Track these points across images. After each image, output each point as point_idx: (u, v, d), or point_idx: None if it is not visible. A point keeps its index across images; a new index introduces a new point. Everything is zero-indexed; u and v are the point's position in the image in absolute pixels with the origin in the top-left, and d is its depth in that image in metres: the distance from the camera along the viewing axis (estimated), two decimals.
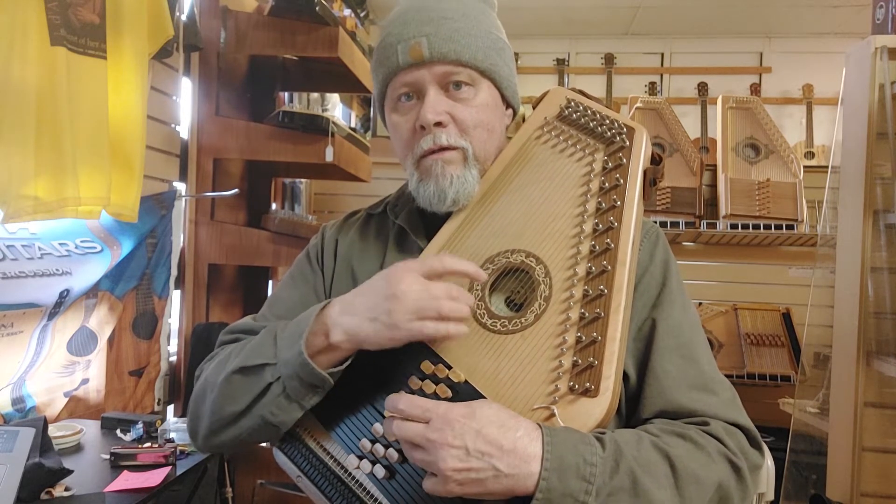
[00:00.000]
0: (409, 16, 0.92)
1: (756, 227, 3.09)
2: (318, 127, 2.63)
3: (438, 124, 0.90)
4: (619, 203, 0.86)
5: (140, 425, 1.90)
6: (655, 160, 0.92)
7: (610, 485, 0.70)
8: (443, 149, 0.91)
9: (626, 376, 0.86)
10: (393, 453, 0.79)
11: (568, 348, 0.78)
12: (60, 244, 1.86)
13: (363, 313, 0.78)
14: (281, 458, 0.86)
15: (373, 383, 0.82)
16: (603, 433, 0.74)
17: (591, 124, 0.93)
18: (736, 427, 0.82)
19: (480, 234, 0.90)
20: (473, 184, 0.92)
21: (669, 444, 0.76)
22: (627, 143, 0.90)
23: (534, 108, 1.00)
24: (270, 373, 0.80)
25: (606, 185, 0.88)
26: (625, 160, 0.89)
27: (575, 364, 0.77)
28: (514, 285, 0.87)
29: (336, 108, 3.74)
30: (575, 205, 0.88)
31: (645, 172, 0.89)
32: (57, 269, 1.84)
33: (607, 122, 0.92)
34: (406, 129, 0.93)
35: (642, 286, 0.89)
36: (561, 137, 0.95)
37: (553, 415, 0.75)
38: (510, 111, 1.01)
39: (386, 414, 0.80)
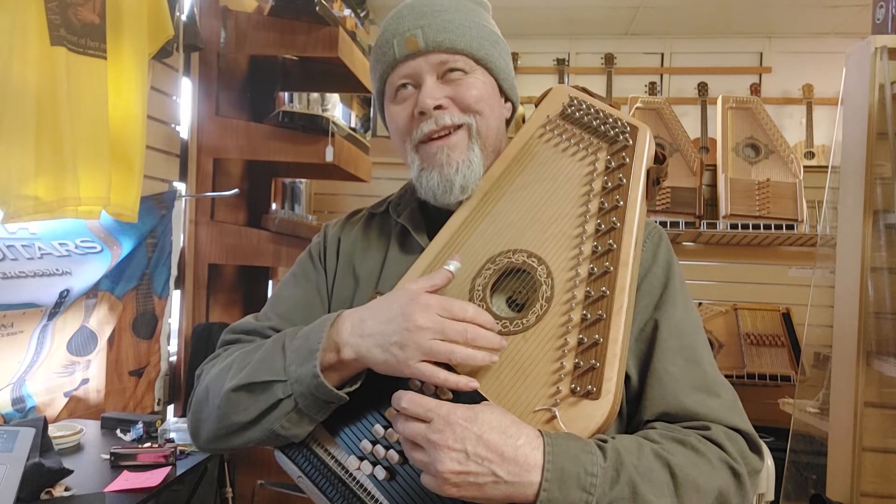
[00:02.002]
0: (403, 12, 0.94)
1: (756, 227, 3.09)
2: (318, 127, 2.63)
3: (438, 107, 0.90)
4: (621, 203, 0.85)
5: (140, 425, 1.90)
6: (659, 159, 0.91)
7: (610, 495, 0.70)
8: (446, 132, 0.91)
9: (627, 377, 0.85)
10: (393, 454, 0.79)
11: (570, 350, 0.78)
12: (60, 244, 1.86)
13: (375, 338, 0.77)
14: (282, 458, 0.86)
15: (373, 385, 0.82)
16: (605, 440, 0.74)
17: (594, 123, 0.92)
18: (736, 432, 0.82)
19: (482, 234, 0.90)
20: (479, 165, 0.92)
21: (670, 451, 0.76)
22: (631, 141, 0.89)
23: (536, 105, 0.99)
24: (281, 389, 0.79)
25: (609, 184, 0.87)
26: (628, 159, 0.88)
27: (577, 366, 0.77)
28: (515, 286, 0.86)
29: (336, 108, 3.74)
30: (577, 204, 0.88)
31: (648, 172, 0.89)
32: (57, 269, 1.84)
33: (610, 120, 0.91)
34: (404, 115, 0.93)
35: (645, 287, 0.89)
36: (564, 136, 0.94)
37: (554, 417, 0.75)
38: (509, 105, 1.01)
39: (387, 414, 0.80)
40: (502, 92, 0.98)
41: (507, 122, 1.02)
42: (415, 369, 0.75)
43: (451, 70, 0.92)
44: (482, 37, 0.94)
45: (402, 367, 0.75)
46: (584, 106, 0.94)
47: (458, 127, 0.92)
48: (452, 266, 0.82)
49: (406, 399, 0.74)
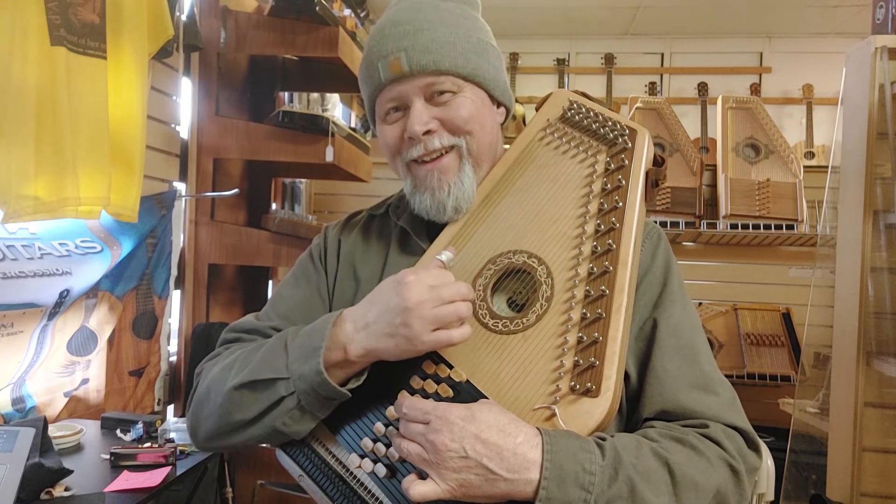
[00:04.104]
0: (386, 31, 0.92)
1: (756, 227, 3.10)
2: (318, 127, 2.63)
3: (427, 133, 0.90)
4: (620, 204, 0.86)
5: (140, 425, 1.90)
6: (657, 162, 0.92)
7: (608, 493, 0.70)
8: (436, 155, 0.91)
9: (626, 375, 0.86)
10: (394, 452, 0.79)
11: (569, 348, 0.78)
12: (60, 244, 1.86)
13: (378, 329, 0.77)
14: (283, 457, 0.86)
15: (375, 383, 0.82)
16: (603, 439, 0.74)
17: (594, 126, 0.93)
18: (735, 430, 0.82)
19: (483, 235, 0.91)
20: (471, 184, 0.92)
21: (669, 450, 0.76)
22: (630, 144, 0.90)
23: (537, 109, 1.00)
24: (284, 386, 0.80)
25: (608, 186, 0.88)
26: (627, 161, 0.89)
27: (576, 364, 0.77)
28: (515, 286, 0.87)
29: (336, 108, 3.74)
30: (577, 206, 0.88)
31: (647, 174, 0.89)
32: (57, 269, 1.84)
33: (609, 123, 0.92)
34: (394, 135, 0.93)
35: (644, 286, 0.89)
36: (564, 139, 0.95)
37: (554, 415, 0.75)
38: (502, 109, 1.00)
39: (387, 412, 0.81)
40: (494, 99, 0.97)
41: (503, 123, 1.02)
42: (429, 341, 0.76)
43: (440, 92, 0.91)
44: (468, 50, 0.92)
45: (417, 344, 0.76)
46: (583, 109, 0.95)
47: (449, 149, 0.91)
48: (444, 256, 0.83)
49: (406, 404, 0.75)
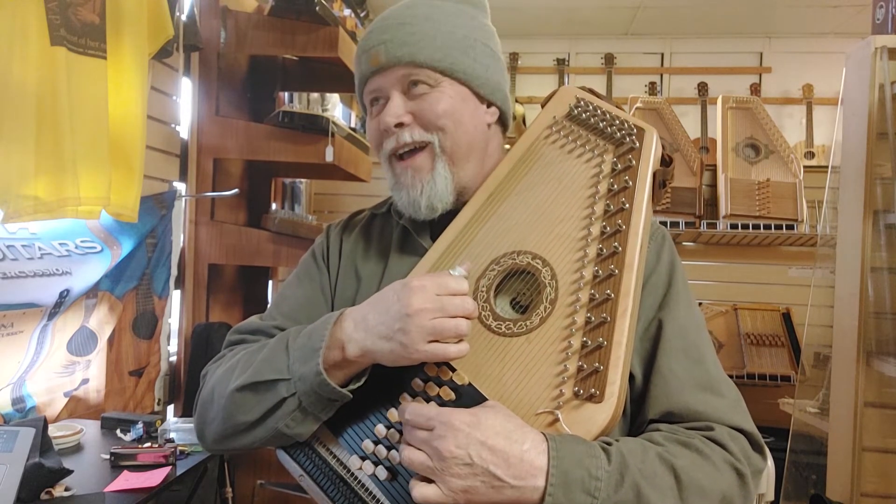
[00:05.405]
0: (373, 27, 0.94)
1: (756, 227, 3.10)
2: (318, 127, 2.62)
3: (399, 125, 0.90)
4: (627, 206, 0.84)
5: (140, 425, 1.89)
6: (665, 161, 0.90)
7: (614, 498, 0.70)
8: (410, 151, 0.91)
9: (632, 376, 0.85)
10: (395, 455, 0.79)
11: (573, 353, 0.78)
12: (60, 244, 1.85)
13: (377, 331, 0.77)
14: (284, 457, 0.86)
15: (376, 385, 0.82)
16: (609, 443, 0.74)
17: (601, 124, 0.92)
18: (739, 432, 0.82)
19: (486, 235, 0.90)
20: (444, 184, 0.92)
21: (674, 454, 0.76)
22: (637, 144, 0.89)
23: (543, 106, 0.98)
24: (285, 388, 0.80)
25: (615, 187, 0.87)
26: (634, 162, 0.87)
27: (580, 369, 0.76)
28: (519, 287, 0.86)
29: (336, 108, 3.73)
30: (583, 207, 0.87)
31: (654, 174, 0.88)
32: (57, 269, 1.83)
33: (617, 122, 0.91)
34: (375, 128, 0.95)
35: (649, 287, 0.89)
36: (570, 137, 0.93)
37: (557, 420, 0.75)
38: (493, 109, 0.97)
39: (389, 415, 0.80)
40: (482, 98, 0.95)
41: (504, 124, 1.01)
42: (423, 351, 0.75)
43: (416, 83, 0.90)
44: (449, 45, 0.91)
45: (411, 353, 0.76)
46: (590, 107, 0.93)
47: (422, 146, 0.91)
48: (457, 272, 0.82)
49: (409, 410, 0.74)
